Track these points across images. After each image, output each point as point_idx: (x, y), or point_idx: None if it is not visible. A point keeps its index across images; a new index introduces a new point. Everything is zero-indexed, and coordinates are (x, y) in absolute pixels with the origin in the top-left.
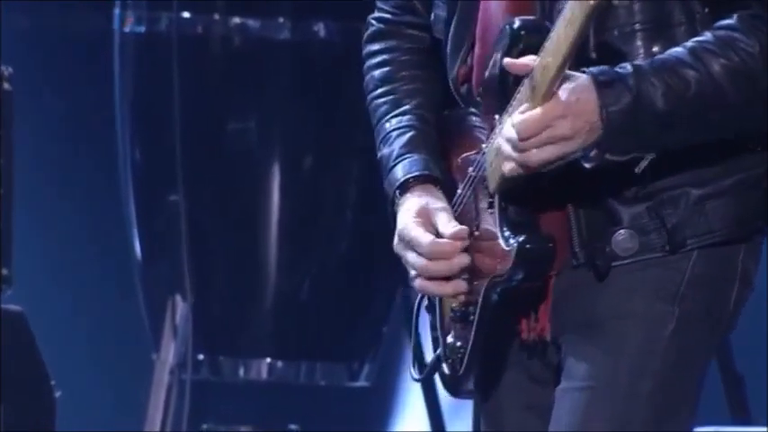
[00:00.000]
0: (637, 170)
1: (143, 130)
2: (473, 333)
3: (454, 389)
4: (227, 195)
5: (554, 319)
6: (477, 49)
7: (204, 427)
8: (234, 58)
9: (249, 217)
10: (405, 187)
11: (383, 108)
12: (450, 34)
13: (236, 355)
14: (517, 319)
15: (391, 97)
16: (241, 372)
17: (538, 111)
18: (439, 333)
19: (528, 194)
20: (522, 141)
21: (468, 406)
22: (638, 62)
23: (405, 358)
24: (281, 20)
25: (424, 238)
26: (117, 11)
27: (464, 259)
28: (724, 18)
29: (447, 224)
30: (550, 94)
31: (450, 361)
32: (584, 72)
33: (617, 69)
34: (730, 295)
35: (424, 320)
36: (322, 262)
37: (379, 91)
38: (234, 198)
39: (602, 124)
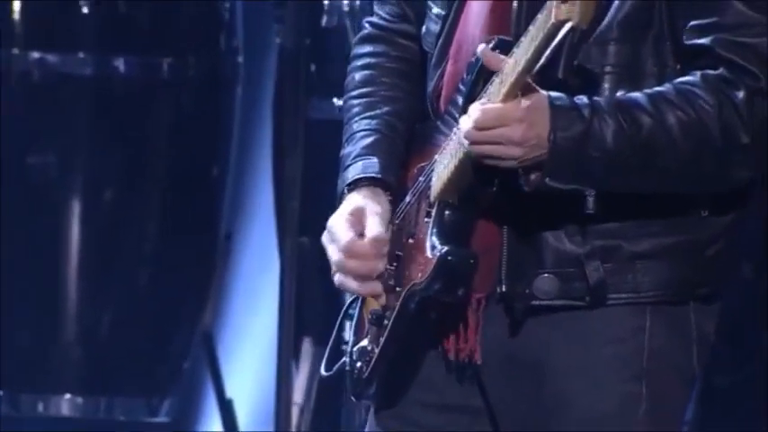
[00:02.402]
0: (589, 210)
1: None
2: (384, 338)
3: (356, 391)
4: (27, 229)
5: (484, 349)
6: (449, 66)
7: None
8: (34, 93)
9: (49, 251)
10: (354, 186)
11: (356, 108)
12: (437, 48)
13: (35, 391)
14: (441, 339)
15: (366, 99)
16: (41, 407)
17: (499, 105)
18: (352, 333)
19: (466, 211)
20: (477, 131)
21: None
22: (595, 98)
23: (205, 394)
24: (82, 55)
25: (345, 234)
26: None
27: (378, 265)
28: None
29: (373, 227)
30: (513, 95)
31: (358, 363)
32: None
33: (574, 99)
34: (692, 359)
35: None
36: (123, 296)
37: (357, 92)
38: (34, 232)
39: (548, 146)
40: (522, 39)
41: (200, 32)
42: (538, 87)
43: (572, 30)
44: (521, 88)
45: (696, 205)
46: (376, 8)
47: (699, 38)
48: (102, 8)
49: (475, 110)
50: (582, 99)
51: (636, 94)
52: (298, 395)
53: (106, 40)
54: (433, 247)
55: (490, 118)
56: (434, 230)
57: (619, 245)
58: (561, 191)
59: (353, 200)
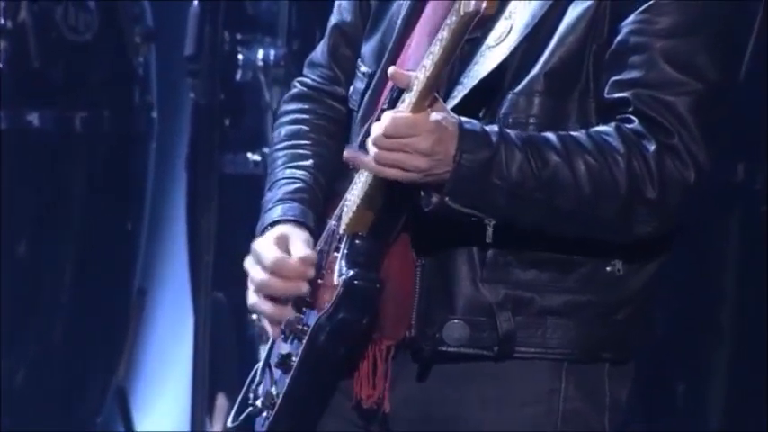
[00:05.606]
0: (488, 240)
1: None
2: (289, 379)
3: None
4: None
5: (393, 399)
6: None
7: None
8: None
9: None
10: (274, 225)
11: (281, 160)
12: (363, 105)
13: None
14: (351, 386)
15: (292, 151)
16: None
17: (410, 115)
18: (257, 382)
19: (376, 240)
20: (386, 139)
21: None
22: (507, 129)
23: None
24: None
25: (271, 253)
26: None
27: (304, 287)
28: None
29: (300, 250)
30: (421, 107)
31: (263, 412)
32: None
33: (484, 126)
34: (604, 424)
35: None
36: (36, 351)
37: (283, 144)
38: None
39: (453, 166)
40: (431, 49)
41: (114, 87)
42: (450, 112)
43: (481, 19)
44: (430, 101)
45: (612, 263)
46: (306, 71)
47: (619, 91)
48: (15, 63)
49: (386, 117)
50: (492, 127)
51: (548, 134)
52: None
53: (20, 94)
54: (341, 274)
55: (400, 125)
56: (343, 260)
57: (532, 298)
58: (468, 222)
59: (278, 229)
